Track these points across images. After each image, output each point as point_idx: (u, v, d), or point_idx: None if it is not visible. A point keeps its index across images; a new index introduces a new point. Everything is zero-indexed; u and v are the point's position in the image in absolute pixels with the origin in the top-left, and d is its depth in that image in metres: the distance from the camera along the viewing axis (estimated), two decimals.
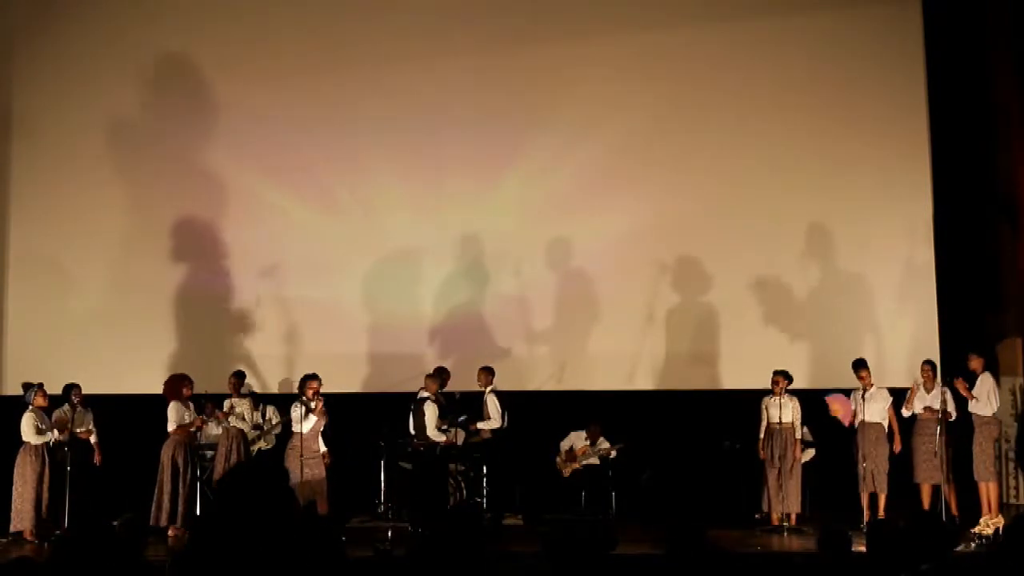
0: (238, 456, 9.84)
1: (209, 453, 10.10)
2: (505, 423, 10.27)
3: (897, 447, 9.59)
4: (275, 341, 11.14)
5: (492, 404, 10.21)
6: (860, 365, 9.71)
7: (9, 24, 11.54)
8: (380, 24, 11.28)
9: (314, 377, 9.60)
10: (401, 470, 10.36)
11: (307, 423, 9.45)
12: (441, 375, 10.35)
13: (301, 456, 9.32)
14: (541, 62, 11.16)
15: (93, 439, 9.70)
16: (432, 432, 9.95)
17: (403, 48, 11.22)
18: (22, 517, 9.26)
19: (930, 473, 9.43)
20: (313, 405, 9.47)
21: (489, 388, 10.30)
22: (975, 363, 9.51)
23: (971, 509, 9.38)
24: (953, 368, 9.77)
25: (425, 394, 10.08)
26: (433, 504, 9.58)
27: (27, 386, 9.51)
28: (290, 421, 9.66)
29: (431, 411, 9.97)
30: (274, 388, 11.01)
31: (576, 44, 11.14)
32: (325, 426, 9.65)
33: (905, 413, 9.61)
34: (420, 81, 11.18)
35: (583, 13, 11.22)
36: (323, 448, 9.65)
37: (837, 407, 9.83)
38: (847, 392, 9.86)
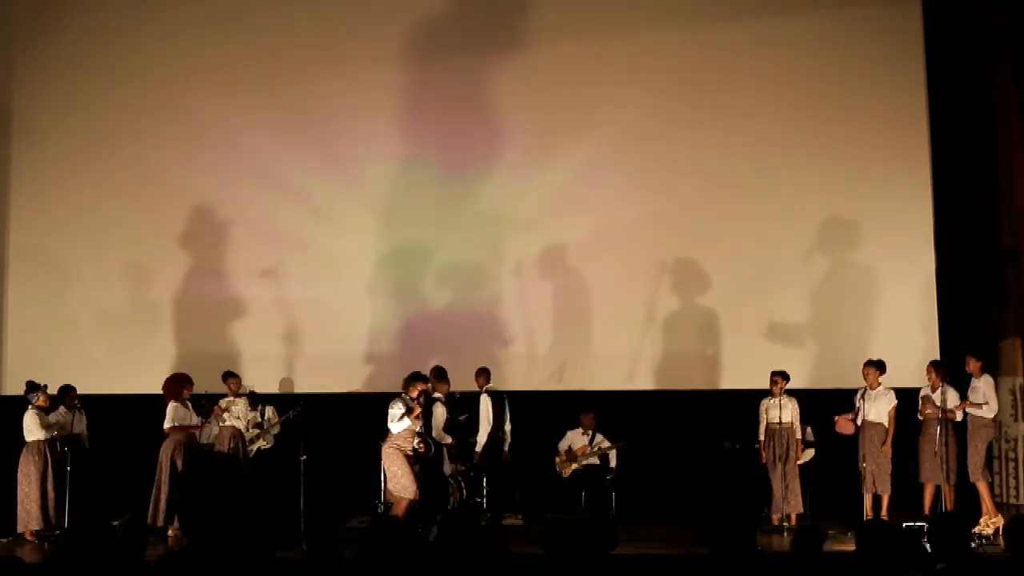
0: (235, 456, 9.83)
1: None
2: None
3: (887, 449, 9.53)
4: (275, 341, 11.13)
5: (484, 407, 10.12)
6: (870, 364, 9.64)
7: (9, 24, 11.55)
8: (378, 24, 11.28)
9: (422, 378, 9.22)
10: None
11: (400, 424, 8.99)
12: (443, 376, 10.32)
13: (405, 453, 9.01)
14: (540, 62, 11.16)
15: (87, 445, 9.69)
16: (438, 433, 9.92)
17: (402, 48, 11.22)
18: (31, 517, 9.24)
19: (934, 473, 9.42)
20: (414, 407, 8.99)
21: (486, 389, 10.27)
22: (972, 366, 9.51)
23: (971, 509, 9.37)
24: (953, 369, 9.75)
25: (437, 395, 10.06)
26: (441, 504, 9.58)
27: (33, 385, 9.46)
28: (286, 420, 9.60)
29: (440, 412, 9.96)
30: (274, 388, 11.01)
31: (576, 44, 11.13)
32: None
33: (921, 417, 9.59)
34: (419, 81, 11.18)
35: (584, 13, 11.21)
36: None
37: (842, 426, 9.80)
38: (852, 392, 9.84)
